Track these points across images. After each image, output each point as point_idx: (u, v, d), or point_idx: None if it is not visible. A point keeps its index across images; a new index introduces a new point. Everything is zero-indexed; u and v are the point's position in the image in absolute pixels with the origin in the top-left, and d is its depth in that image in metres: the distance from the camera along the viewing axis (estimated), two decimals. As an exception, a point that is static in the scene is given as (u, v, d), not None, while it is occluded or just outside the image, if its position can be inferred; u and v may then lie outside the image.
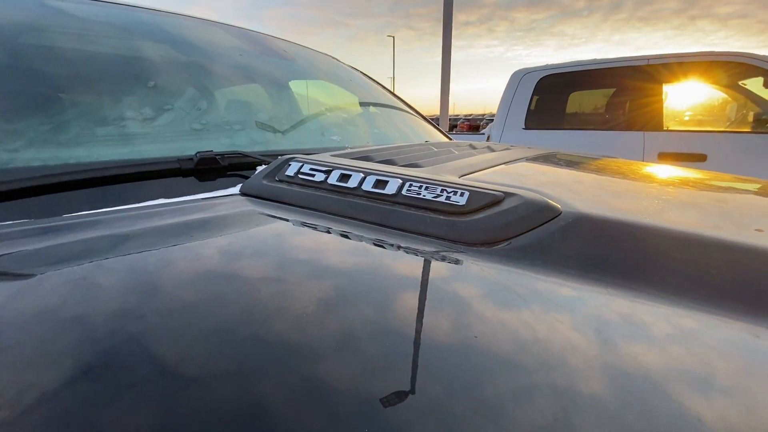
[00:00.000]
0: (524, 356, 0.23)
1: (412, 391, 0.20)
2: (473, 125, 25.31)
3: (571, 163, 0.77)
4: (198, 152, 0.57)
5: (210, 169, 0.57)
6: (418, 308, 0.28)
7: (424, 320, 0.26)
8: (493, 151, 0.74)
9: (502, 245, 0.36)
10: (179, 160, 0.55)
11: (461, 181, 0.46)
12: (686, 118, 2.62)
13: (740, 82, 2.32)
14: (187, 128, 0.67)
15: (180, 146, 0.62)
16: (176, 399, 0.19)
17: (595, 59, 2.74)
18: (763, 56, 2.19)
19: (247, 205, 0.47)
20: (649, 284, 0.31)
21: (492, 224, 0.38)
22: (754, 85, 2.35)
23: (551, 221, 0.37)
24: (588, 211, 0.39)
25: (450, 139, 1.28)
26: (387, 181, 0.44)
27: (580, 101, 2.80)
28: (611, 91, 2.71)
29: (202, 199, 0.49)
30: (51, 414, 0.18)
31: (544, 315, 0.27)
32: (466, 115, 33.71)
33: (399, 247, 0.37)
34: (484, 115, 29.76)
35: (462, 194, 0.41)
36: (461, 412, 0.19)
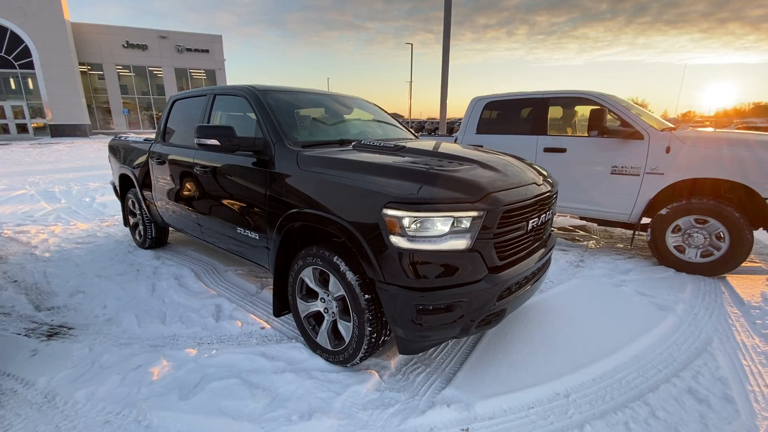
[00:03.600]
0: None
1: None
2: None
3: (443, 143, 2.69)
4: (340, 138, 2.52)
5: (343, 142, 2.51)
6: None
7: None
8: (412, 139, 2.67)
9: (401, 151, 2.27)
10: (338, 141, 2.51)
11: (398, 144, 2.37)
12: (558, 127, 4.46)
13: (579, 108, 4.16)
14: (339, 133, 2.67)
15: (336, 137, 2.60)
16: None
17: (519, 92, 4.60)
18: (596, 92, 4.01)
19: (354, 149, 2.39)
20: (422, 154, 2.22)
21: (399, 149, 2.29)
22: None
23: (404, 148, 2.29)
24: (416, 147, 2.30)
25: (416, 136, 3.22)
26: (383, 144, 2.36)
27: (509, 117, 4.65)
28: (527, 111, 4.56)
29: (348, 147, 2.42)
30: None
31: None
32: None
33: (389, 154, 2.28)
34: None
35: (396, 146, 2.32)
36: None
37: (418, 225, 1.70)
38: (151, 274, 3.52)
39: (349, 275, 1.90)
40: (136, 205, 4.16)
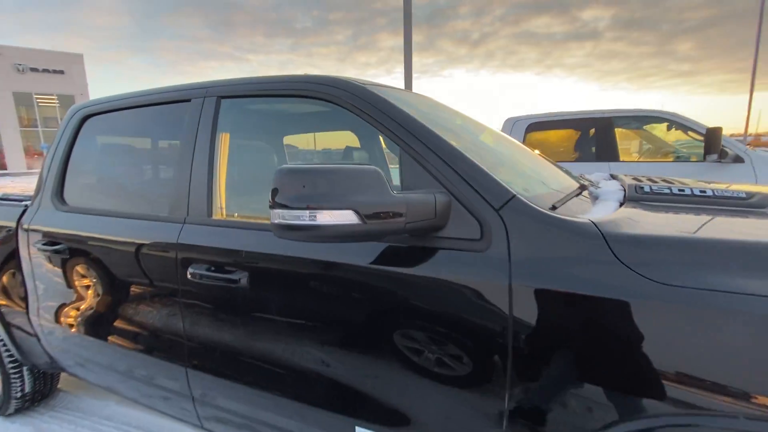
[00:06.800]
0: None
1: None
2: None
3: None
4: (578, 181, 1.17)
5: (583, 188, 1.20)
6: None
7: None
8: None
9: None
10: (578, 186, 1.16)
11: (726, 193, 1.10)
12: (632, 153, 3.78)
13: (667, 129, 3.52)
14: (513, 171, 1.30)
15: (534, 178, 1.26)
16: None
17: (567, 111, 3.76)
18: (667, 111, 3.38)
19: (653, 205, 1.06)
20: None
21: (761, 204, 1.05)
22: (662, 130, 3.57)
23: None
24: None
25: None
26: (715, 193, 1.09)
27: (562, 140, 3.78)
28: (586, 133, 3.73)
29: (592, 199, 1.12)
30: None
31: None
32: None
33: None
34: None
35: (749, 194, 1.08)
36: None
37: None
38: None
39: None
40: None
